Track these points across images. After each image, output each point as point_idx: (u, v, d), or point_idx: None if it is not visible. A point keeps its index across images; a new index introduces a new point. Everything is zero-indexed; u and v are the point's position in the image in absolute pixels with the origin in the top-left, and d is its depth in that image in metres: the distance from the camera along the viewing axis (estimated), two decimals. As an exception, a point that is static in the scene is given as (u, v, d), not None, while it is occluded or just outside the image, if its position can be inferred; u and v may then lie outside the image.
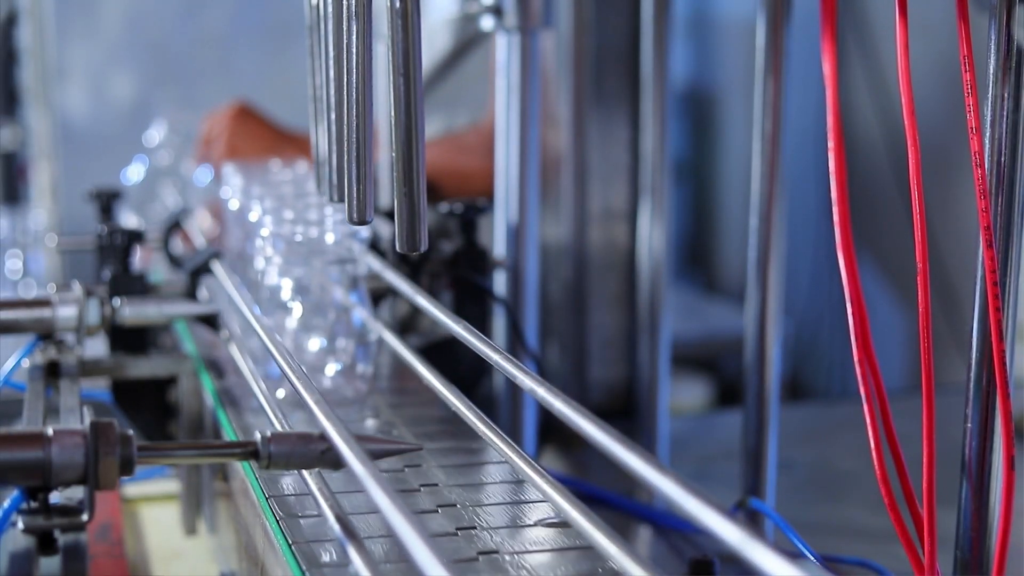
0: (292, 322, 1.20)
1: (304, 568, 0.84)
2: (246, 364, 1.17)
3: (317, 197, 1.20)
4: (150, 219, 2.09)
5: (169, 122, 2.26)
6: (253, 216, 1.27)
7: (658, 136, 1.52)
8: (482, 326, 1.38)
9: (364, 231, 1.21)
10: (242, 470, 1.03)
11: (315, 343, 1.20)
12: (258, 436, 0.85)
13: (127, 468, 0.81)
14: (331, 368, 1.21)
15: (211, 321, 1.30)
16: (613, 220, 1.81)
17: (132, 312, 1.29)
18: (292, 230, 1.21)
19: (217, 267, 1.36)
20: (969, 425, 0.93)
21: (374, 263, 1.28)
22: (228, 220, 1.48)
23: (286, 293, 1.21)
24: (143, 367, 1.34)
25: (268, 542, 0.92)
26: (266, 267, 1.23)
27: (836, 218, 0.99)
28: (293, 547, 0.87)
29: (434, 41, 1.96)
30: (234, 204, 1.41)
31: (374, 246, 1.40)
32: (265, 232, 1.22)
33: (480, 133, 1.92)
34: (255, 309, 1.16)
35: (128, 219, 2.10)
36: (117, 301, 1.29)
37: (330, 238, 1.21)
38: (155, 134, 2.26)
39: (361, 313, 1.22)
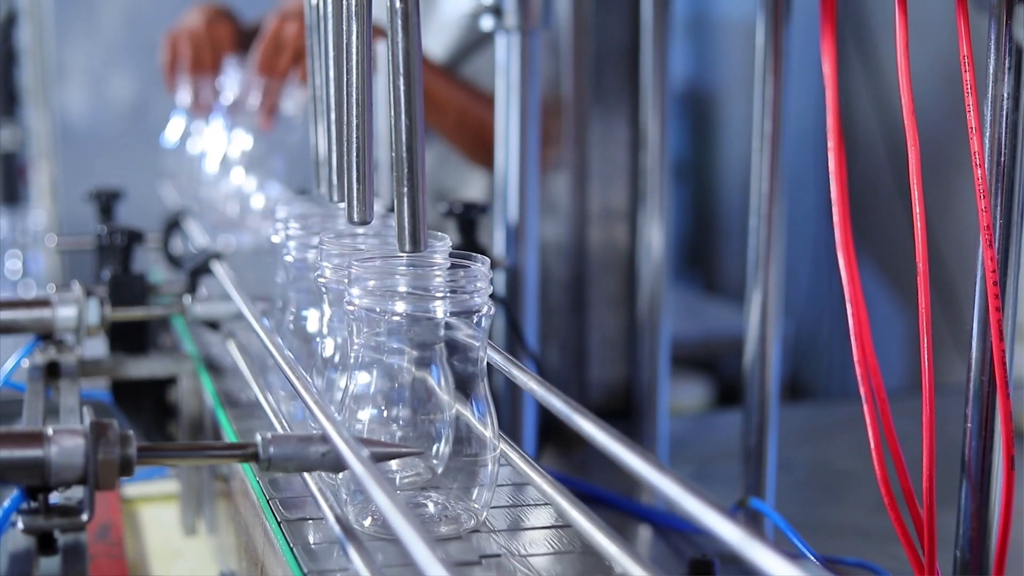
0: (365, 415, 0.88)
1: (304, 568, 0.84)
2: (247, 368, 1.17)
3: (413, 255, 0.88)
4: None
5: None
6: (323, 280, 0.98)
7: (658, 136, 1.52)
8: (482, 326, 1.37)
9: (487, 305, 0.87)
10: (242, 470, 1.03)
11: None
12: (258, 438, 0.85)
13: (127, 468, 0.81)
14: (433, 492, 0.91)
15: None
16: (613, 220, 1.81)
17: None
18: (384, 305, 0.86)
19: (217, 267, 1.36)
20: (969, 425, 0.93)
21: (496, 357, 0.92)
22: (282, 277, 1.16)
23: (365, 383, 0.88)
24: (143, 367, 1.34)
25: (268, 542, 0.92)
26: (342, 350, 0.96)
27: (836, 218, 0.99)
28: (293, 547, 0.87)
29: (448, 34, 1.95)
30: (289, 259, 1.12)
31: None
32: (352, 308, 0.87)
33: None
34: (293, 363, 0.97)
35: None
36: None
37: (439, 313, 0.86)
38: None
39: (479, 426, 0.89)
